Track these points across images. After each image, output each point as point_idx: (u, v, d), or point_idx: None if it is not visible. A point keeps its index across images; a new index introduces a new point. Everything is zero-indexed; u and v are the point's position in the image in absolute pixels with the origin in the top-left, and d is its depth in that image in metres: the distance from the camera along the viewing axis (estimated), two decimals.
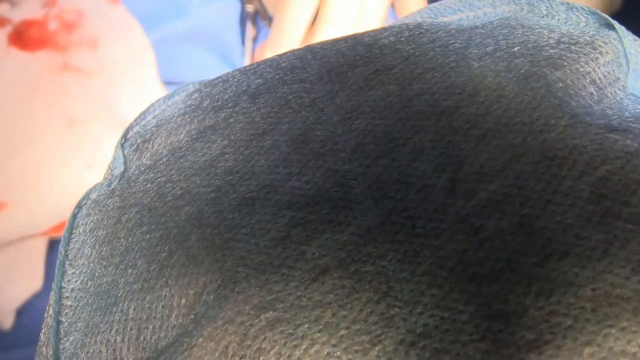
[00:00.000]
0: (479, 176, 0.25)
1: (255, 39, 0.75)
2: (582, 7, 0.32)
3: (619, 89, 0.29)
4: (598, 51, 0.30)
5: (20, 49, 0.64)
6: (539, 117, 0.26)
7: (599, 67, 0.29)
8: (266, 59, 0.33)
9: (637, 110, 0.28)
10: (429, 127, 0.26)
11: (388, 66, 0.29)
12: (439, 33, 0.31)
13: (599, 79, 0.29)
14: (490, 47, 0.30)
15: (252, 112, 0.30)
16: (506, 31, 0.31)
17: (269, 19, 0.73)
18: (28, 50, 0.64)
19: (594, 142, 0.25)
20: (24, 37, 0.64)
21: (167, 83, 0.67)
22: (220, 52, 0.73)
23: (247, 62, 0.74)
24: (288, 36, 0.68)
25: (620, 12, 0.66)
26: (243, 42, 0.75)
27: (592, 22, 0.32)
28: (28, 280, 0.66)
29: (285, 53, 0.33)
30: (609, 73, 0.30)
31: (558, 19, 0.32)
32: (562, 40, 0.30)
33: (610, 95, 0.29)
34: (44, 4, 0.66)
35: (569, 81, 0.28)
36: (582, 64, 0.29)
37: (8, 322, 0.66)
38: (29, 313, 0.67)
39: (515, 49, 0.29)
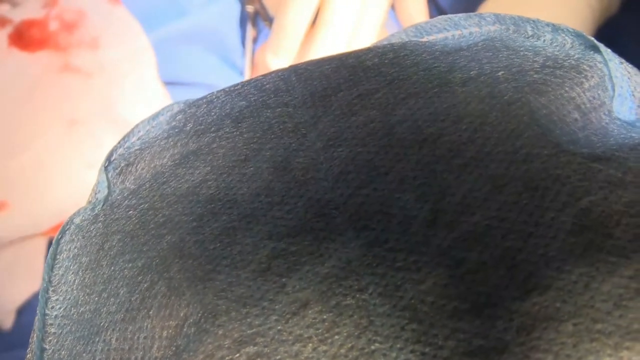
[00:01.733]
0: (461, 207, 0.25)
1: (255, 40, 0.75)
2: (567, 29, 0.32)
3: (604, 114, 0.29)
4: (583, 75, 0.30)
5: (21, 49, 0.64)
6: (522, 146, 0.26)
7: (583, 92, 0.29)
8: (251, 79, 0.33)
9: (621, 136, 0.28)
10: (411, 155, 0.26)
11: (371, 90, 0.29)
12: (423, 55, 0.31)
13: (584, 104, 0.29)
14: (474, 72, 0.29)
15: (235, 137, 0.29)
16: (490, 54, 0.31)
17: (270, 20, 0.73)
18: (29, 50, 0.64)
19: (577, 172, 0.25)
20: (25, 37, 0.65)
21: (168, 83, 0.67)
22: (221, 53, 0.74)
23: (247, 63, 0.74)
24: (288, 37, 0.68)
25: (619, 13, 0.66)
26: (243, 43, 0.75)
27: (578, 44, 0.31)
28: (28, 280, 0.66)
29: (270, 73, 0.33)
30: (594, 98, 0.29)
31: (544, 40, 0.32)
32: (546, 64, 0.30)
33: (595, 121, 0.29)
34: (45, 4, 0.66)
35: (553, 107, 0.28)
36: (566, 89, 0.29)
37: (8, 322, 0.66)
38: (29, 313, 0.67)
39: (500, 73, 0.29)
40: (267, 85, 0.32)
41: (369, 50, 0.32)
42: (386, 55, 0.31)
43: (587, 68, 0.30)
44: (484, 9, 0.64)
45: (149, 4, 0.71)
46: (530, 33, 0.33)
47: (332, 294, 0.24)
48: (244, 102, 0.31)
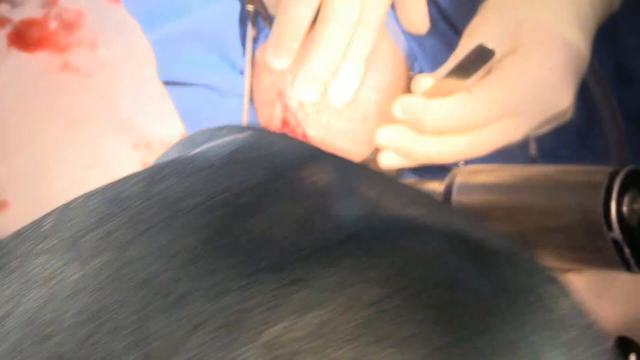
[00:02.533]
0: (168, 349, 0.25)
1: (255, 40, 0.75)
2: (292, 138, 0.34)
3: (324, 220, 0.30)
4: (299, 187, 0.31)
5: (21, 49, 0.64)
6: (218, 282, 0.27)
7: (299, 203, 0.30)
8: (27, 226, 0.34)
9: (336, 241, 0.29)
10: (131, 299, 0.27)
11: (116, 227, 0.30)
12: (172, 179, 0.32)
13: (300, 215, 0.30)
14: (204, 196, 0.30)
15: (5, 291, 0.30)
16: (229, 169, 0.32)
17: (270, 19, 0.73)
18: (28, 50, 0.64)
19: (268, 300, 0.26)
20: (24, 37, 0.64)
21: (167, 83, 0.67)
22: (220, 53, 0.74)
23: (247, 62, 0.74)
24: (289, 37, 0.68)
25: (620, 11, 0.66)
26: (243, 43, 0.75)
27: (296, 152, 0.33)
28: None
29: (49, 214, 0.34)
30: (311, 206, 0.30)
31: (277, 148, 0.33)
32: (265, 179, 0.31)
33: (311, 229, 0.29)
34: (44, 4, 0.66)
35: (260, 230, 0.29)
36: (278, 205, 0.30)
37: None
38: None
39: (222, 196, 0.30)
40: (34, 230, 0.32)
41: (134, 175, 0.33)
42: (142, 182, 0.32)
43: (304, 177, 0.31)
44: (486, 7, 0.64)
45: (149, 4, 0.71)
46: (274, 138, 0.34)
47: None
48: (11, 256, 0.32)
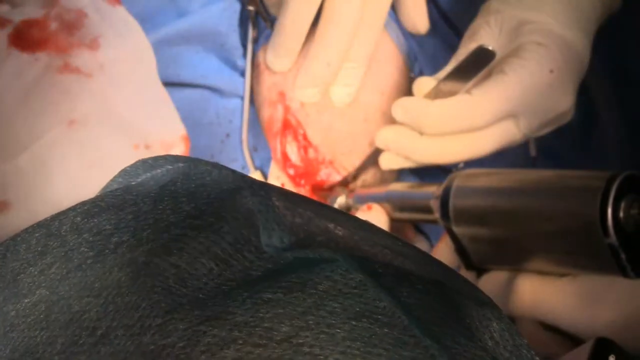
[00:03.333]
0: None
1: (256, 40, 0.75)
2: (225, 168, 0.34)
3: (249, 251, 0.30)
4: (223, 219, 0.31)
5: (21, 50, 0.64)
6: (140, 318, 0.27)
7: (223, 237, 0.30)
8: None
9: (263, 273, 0.29)
10: (59, 338, 0.28)
11: (50, 264, 0.31)
12: (106, 213, 0.33)
13: (223, 249, 0.30)
14: (131, 232, 0.31)
15: None
16: (159, 204, 0.32)
17: (270, 20, 0.73)
18: (28, 51, 0.64)
19: (185, 338, 0.26)
20: (24, 37, 0.64)
21: (167, 84, 0.67)
22: (221, 53, 0.73)
23: (248, 63, 0.74)
24: (290, 37, 0.68)
25: (621, 11, 0.66)
26: (244, 43, 0.75)
27: (229, 180, 0.33)
28: None
29: None
30: (235, 239, 0.31)
31: (209, 179, 0.34)
32: (192, 212, 0.31)
33: (235, 263, 0.30)
34: (45, 5, 0.66)
35: (183, 264, 0.29)
36: (202, 240, 0.30)
37: None
38: None
39: (145, 233, 0.31)
40: None
41: (76, 207, 0.34)
42: (79, 217, 0.33)
43: (230, 209, 0.31)
44: (487, 8, 0.64)
45: (149, 5, 0.71)
46: (203, 169, 0.35)
47: None
48: None
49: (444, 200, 0.54)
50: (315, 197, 0.70)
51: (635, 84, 0.71)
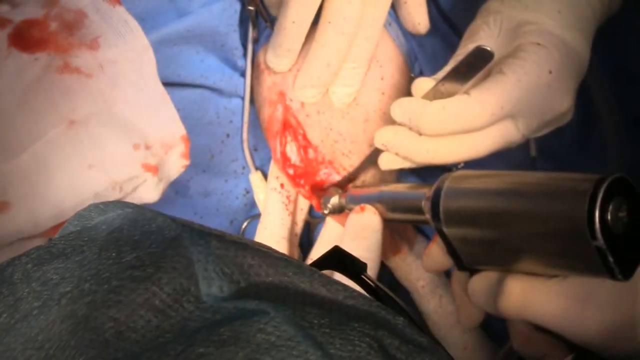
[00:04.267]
0: None
1: (256, 41, 0.75)
2: (167, 216, 0.35)
3: (188, 301, 0.31)
4: (162, 270, 0.31)
5: (21, 50, 0.64)
6: None
7: (161, 288, 0.31)
8: None
9: (197, 325, 0.29)
10: None
11: (1, 312, 0.32)
12: (55, 261, 0.33)
13: (162, 300, 0.30)
14: (74, 283, 0.31)
15: None
16: (104, 252, 0.33)
17: (271, 20, 0.73)
18: (29, 51, 0.64)
19: None
20: (25, 37, 0.64)
21: (167, 84, 0.67)
22: (221, 53, 0.73)
23: (248, 63, 0.74)
24: (290, 39, 0.68)
25: (620, 12, 0.66)
26: (244, 44, 0.75)
27: (167, 231, 0.33)
28: None
29: None
30: (174, 289, 0.31)
31: (154, 226, 0.34)
32: (133, 263, 0.32)
33: (174, 314, 0.30)
34: (45, 5, 0.66)
35: (122, 317, 0.30)
36: (141, 291, 0.30)
37: None
38: None
39: (87, 285, 0.31)
40: None
41: (28, 253, 0.34)
42: (30, 264, 0.34)
43: (168, 261, 0.32)
44: (486, 9, 0.64)
45: (149, 5, 0.71)
46: (148, 216, 0.35)
47: None
48: None
49: (435, 201, 0.55)
50: (314, 197, 0.70)
51: (635, 84, 0.71)
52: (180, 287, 0.31)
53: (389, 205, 0.64)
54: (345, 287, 0.34)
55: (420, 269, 0.72)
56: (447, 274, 0.74)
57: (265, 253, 0.34)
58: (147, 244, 0.33)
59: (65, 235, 0.35)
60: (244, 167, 0.76)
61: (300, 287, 0.32)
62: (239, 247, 0.33)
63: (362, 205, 0.66)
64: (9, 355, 0.30)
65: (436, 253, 0.60)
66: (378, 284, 0.35)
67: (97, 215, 0.36)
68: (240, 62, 0.75)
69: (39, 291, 0.32)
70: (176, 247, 0.32)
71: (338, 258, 0.45)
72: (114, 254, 0.33)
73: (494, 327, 0.69)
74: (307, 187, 0.70)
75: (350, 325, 0.31)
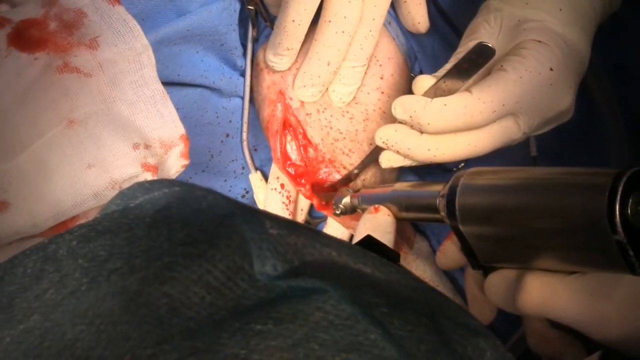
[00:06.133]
0: None
1: (256, 40, 0.75)
2: (219, 194, 0.34)
3: (242, 279, 0.30)
4: (216, 247, 0.31)
5: (20, 49, 0.64)
6: (130, 348, 0.28)
7: (215, 265, 0.31)
8: None
9: (251, 303, 0.29)
10: None
11: (48, 287, 0.31)
12: (102, 238, 0.33)
13: (216, 277, 0.30)
14: (124, 259, 0.31)
15: None
16: (154, 229, 0.33)
17: (270, 20, 0.73)
18: (28, 50, 0.64)
19: None
20: (24, 37, 0.64)
21: (167, 83, 0.67)
22: (220, 53, 0.73)
23: (248, 63, 0.74)
24: (290, 38, 0.68)
25: (621, 9, 0.66)
26: (244, 43, 0.75)
27: (218, 210, 0.33)
28: None
29: None
30: (228, 267, 0.31)
31: (204, 204, 0.34)
32: (186, 240, 0.31)
33: (228, 292, 0.30)
34: (44, 4, 0.66)
35: (175, 294, 0.30)
36: (194, 268, 0.30)
37: None
38: None
39: (138, 260, 0.31)
40: None
41: (72, 231, 0.34)
42: (75, 240, 0.33)
43: (223, 237, 0.31)
44: (487, 7, 0.64)
45: (149, 4, 0.71)
46: (202, 194, 0.35)
47: None
48: None
49: (450, 198, 0.54)
50: (315, 197, 0.70)
51: (635, 83, 0.71)
52: (234, 265, 0.31)
53: (402, 205, 0.64)
54: (398, 269, 0.34)
55: (419, 268, 0.72)
56: (447, 273, 0.74)
57: (318, 233, 0.34)
58: (198, 222, 0.32)
59: (109, 214, 0.35)
60: (243, 167, 0.76)
61: (354, 267, 0.32)
62: (292, 227, 0.33)
63: (377, 206, 0.65)
64: (58, 330, 0.29)
65: (451, 250, 0.60)
66: (413, 274, 0.35)
67: (141, 195, 0.36)
68: (239, 62, 0.75)
69: (86, 267, 0.31)
70: (229, 225, 0.32)
71: (371, 246, 0.45)
72: (164, 231, 0.32)
73: (494, 326, 0.69)
74: (307, 186, 0.70)
75: (407, 305, 0.31)
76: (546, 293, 0.50)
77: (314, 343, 0.28)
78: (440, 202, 0.56)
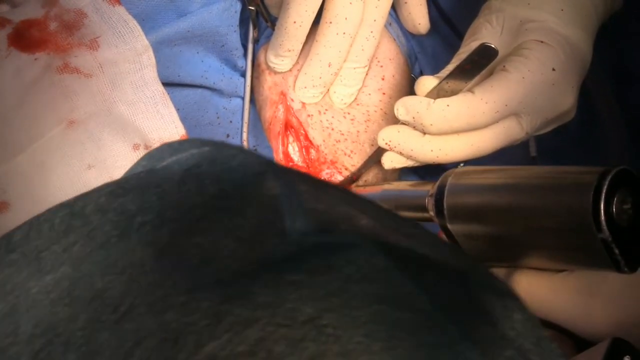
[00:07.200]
0: None
1: (257, 40, 0.74)
2: (250, 152, 0.34)
3: (274, 235, 0.30)
4: (247, 202, 0.31)
5: (21, 50, 0.64)
6: (162, 297, 0.28)
7: (246, 219, 0.31)
8: None
9: (282, 257, 0.29)
10: (82, 314, 0.28)
11: (72, 243, 0.31)
12: (131, 194, 0.33)
13: (247, 231, 0.30)
14: (155, 213, 0.31)
15: None
16: (184, 185, 0.33)
17: (271, 20, 0.73)
18: (28, 51, 0.64)
19: (207, 316, 0.27)
20: (24, 37, 0.64)
21: (167, 84, 0.67)
22: (221, 54, 0.73)
23: (248, 63, 0.74)
24: (291, 39, 0.68)
25: (620, 12, 0.66)
26: (244, 44, 0.75)
27: (249, 168, 0.33)
28: None
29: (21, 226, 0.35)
30: (260, 222, 0.31)
31: (235, 163, 0.34)
32: (217, 194, 0.32)
33: (259, 246, 0.30)
34: (44, 5, 0.66)
35: (207, 245, 0.30)
36: (226, 222, 0.30)
37: None
38: None
39: (169, 213, 0.31)
40: (3, 243, 0.35)
41: (101, 188, 0.34)
42: (103, 197, 0.33)
43: (253, 194, 0.32)
44: (488, 7, 0.64)
45: (149, 5, 0.70)
46: (232, 153, 0.35)
47: None
48: None
49: (439, 198, 0.54)
50: None
51: (635, 84, 0.72)
52: (265, 220, 0.31)
53: (391, 204, 0.64)
54: (428, 232, 0.34)
55: None
56: None
57: (349, 194, 0.34)
58: (229, 178, 0.33)
59: (136, 174, 0.35)
60: None
61: (384, 224, 0.32)
62: (323, 185, 0.33)
63: None
64: (87, 280, 0.29)
65: None
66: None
67: (168, 155, 0.36)
68: (240, 63, 0.74)
69: (115, 221, 0.31)
70: (261, 181, 0.32)
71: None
72: (194, 187, 0.32)
73: None
74: None
75: (439, 262, 0.31)
76: (534, 291, 0.50)
77: (348, 294, 0.28)
78: (429, 202, 0.57)
